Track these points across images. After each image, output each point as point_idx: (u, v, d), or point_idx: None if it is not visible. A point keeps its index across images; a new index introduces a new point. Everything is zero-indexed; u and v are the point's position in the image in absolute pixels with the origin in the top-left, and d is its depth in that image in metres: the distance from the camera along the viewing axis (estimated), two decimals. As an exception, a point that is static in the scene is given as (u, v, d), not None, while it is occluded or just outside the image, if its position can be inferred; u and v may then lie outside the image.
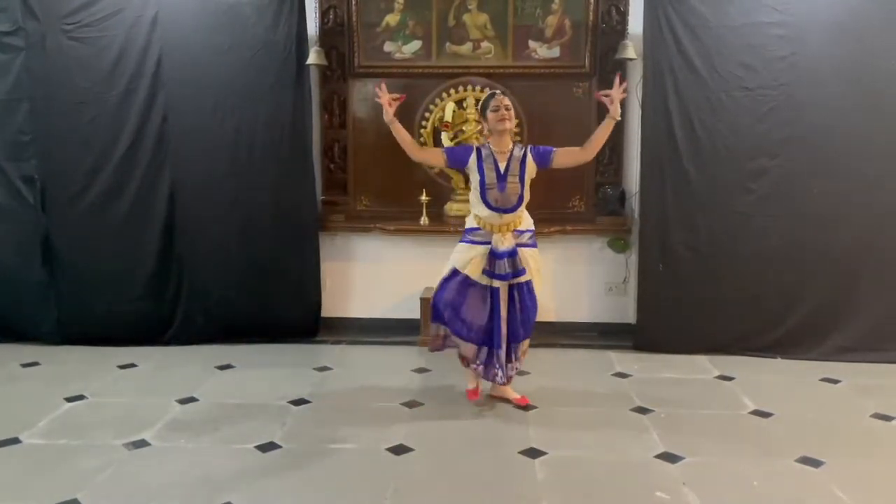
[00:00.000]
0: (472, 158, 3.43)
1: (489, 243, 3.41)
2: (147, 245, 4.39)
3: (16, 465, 2.92)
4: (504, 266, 3.39)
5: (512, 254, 3.39)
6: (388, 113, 3.39)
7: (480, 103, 3.57)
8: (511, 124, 3.41)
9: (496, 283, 3.43)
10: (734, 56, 4.09)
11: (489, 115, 3.41)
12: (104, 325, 4.42)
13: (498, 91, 3.69)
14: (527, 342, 3.55)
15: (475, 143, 4.45)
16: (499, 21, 4.47)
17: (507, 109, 3.38)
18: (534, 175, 3.44)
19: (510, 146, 3.43)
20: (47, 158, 4.30)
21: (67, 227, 4.36)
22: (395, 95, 3.43)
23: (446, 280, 3.48)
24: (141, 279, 4.42)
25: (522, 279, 3.43)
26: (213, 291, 4.46)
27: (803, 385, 3.85)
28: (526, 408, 3.49)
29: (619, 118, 3.42)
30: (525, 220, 3.48)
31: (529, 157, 3.40)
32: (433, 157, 3.69)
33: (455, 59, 4.51)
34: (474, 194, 3.46)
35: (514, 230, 3.42)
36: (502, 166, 3.40)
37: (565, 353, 4.29)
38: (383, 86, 3.44)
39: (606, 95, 3.38)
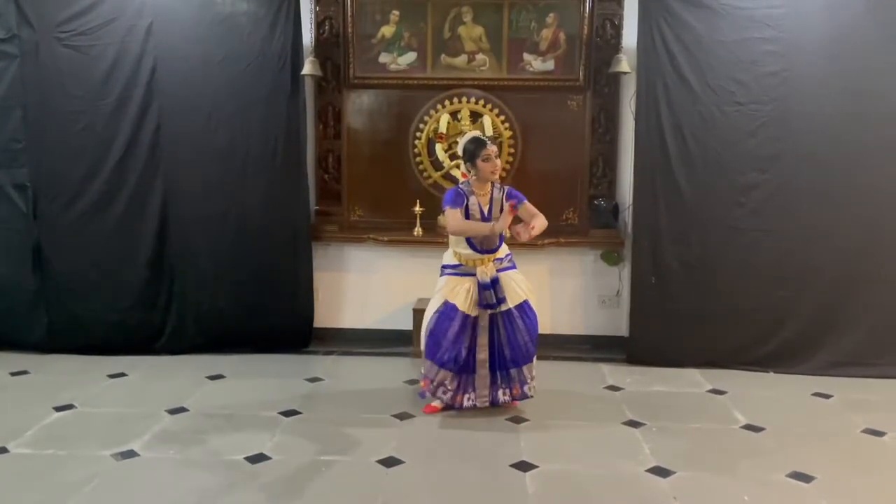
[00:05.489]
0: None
1: (473, 275, 3.44)
2: (138, 254, 4.38)
3: (2, 475, 2.89)
4: (491, 295, 3.42)
5: (495, 282, 3.42)
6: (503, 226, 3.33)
7: (463, 147, 3.49)
8: (500, 170, 3.43)
9: (483, 313, 3.46)
10: (726, 71, 4.12)
11: (481, 164, 3.39)
12: (94, 333, 4.39)
13: (483, 136, 3.43)
14: (527, 368, 3.52)
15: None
16: (494, 34, 4.49)
17: (497, 157, 3.40)
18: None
19: (489, 188, 3.46)
20: (40, 166, 4.29)
21: (59, 234, 4.35)
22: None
23: (442, 313, 3.46)
24: (132, 288, 4.41)
25: (504, 307, 3.45)
26: (204, 301, 4.44)
27: (795, 399, 3.86)
28: (517, 419, 3.49)
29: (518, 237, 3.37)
30: (502, 248, 3.53)
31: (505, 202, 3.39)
32: (455, 216, 3.41)
33: (450, 71, 4.53)
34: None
35: (495, 259, 3.47)
36: (485, 209, 3.44)
37: (557, 366, 4.28)
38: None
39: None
